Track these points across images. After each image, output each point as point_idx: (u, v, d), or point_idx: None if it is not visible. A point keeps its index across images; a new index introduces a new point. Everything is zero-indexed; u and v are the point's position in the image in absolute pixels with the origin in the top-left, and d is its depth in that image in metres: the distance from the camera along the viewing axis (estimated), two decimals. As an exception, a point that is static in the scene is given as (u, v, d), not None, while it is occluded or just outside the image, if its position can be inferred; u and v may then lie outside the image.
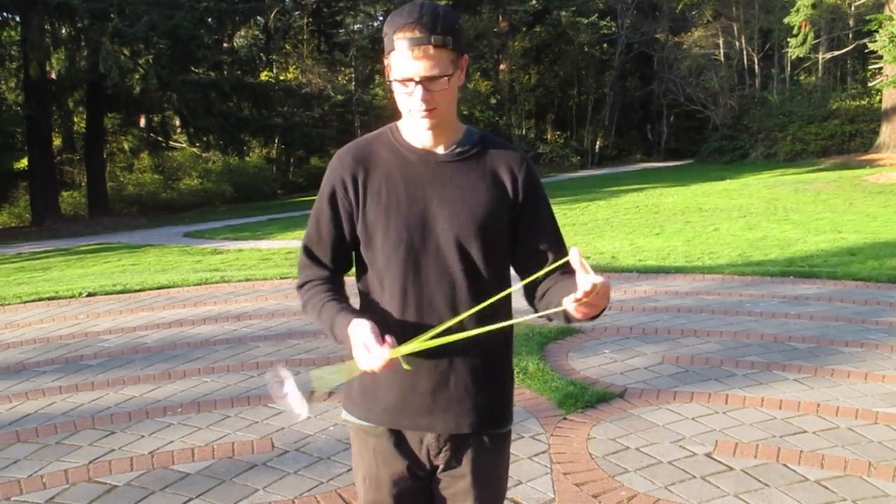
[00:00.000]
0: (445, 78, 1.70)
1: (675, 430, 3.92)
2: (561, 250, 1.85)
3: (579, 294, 1.55)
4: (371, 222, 1.79)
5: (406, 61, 1.68)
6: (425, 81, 1.69)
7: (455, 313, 1.76)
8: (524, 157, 1.88)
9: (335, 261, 1.88)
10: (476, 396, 1.83)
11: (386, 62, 1.75)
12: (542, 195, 1.88)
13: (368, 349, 1.64)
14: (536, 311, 1.84)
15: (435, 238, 1.77)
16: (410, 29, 1.66)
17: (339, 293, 1.87)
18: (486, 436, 1.88)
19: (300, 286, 1.91)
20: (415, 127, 1.79)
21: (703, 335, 5.64)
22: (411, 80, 1.69)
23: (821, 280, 7.66)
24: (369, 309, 1.84)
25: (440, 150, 1.82)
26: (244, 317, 6.50)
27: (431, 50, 1.67)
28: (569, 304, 1.59)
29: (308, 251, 1.89)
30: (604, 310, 1.64)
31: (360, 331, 1.67)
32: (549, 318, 1.77)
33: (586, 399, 4.30)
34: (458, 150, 1.82)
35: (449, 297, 1.78)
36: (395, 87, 1.73)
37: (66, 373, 5.13)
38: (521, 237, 1.85)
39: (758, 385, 4.56)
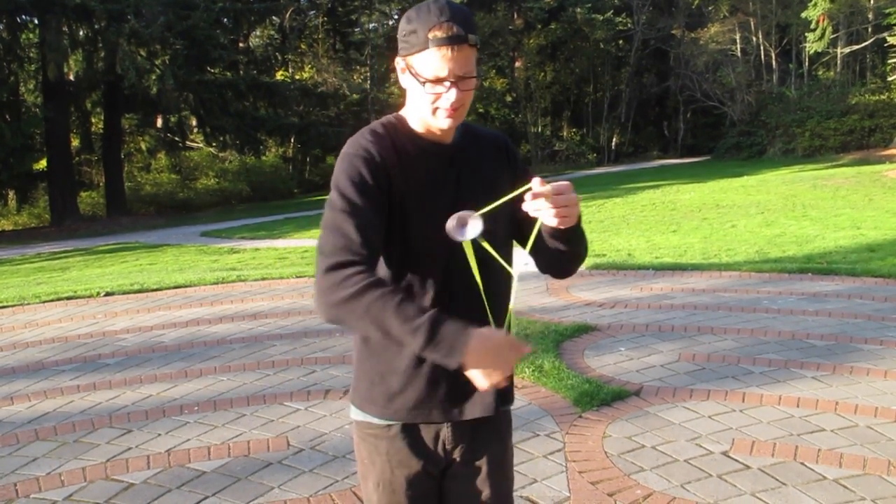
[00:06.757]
0: (475, 78, 1.65)
1: (691, 429, 3.90)
2: None
3: (536, 189, 1.56)
4: (396, 214, 1.70)
5: (442, 61, 1.58)
6: (459, 81, 1.61)
7: (480, 301, 1.72)
8: (506, 138, 1.92)
9: (373, 249, 1.66)
10: None
11: (404, 62, 1.65)
12: (528, 168, 1.89)
13: (512, 349, 1.57)
14: (543, 271, 1.88)
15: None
16: (448, 27, 1.57)
17: (397, 289, 1.65)
18: (499, 419, 1.85)
19: (342, 280, 1.58)
20: (430, 124, 1.71)
21: (720, 333, 5.61)
22: (446, 79, 1.61)
23: (839, 277, 7.59)
24: None
25: (446, 140, 1.78)
26: (260, 315, 6.52)
27: (467, 49, 1.60)
28: (543, 217, 1.60)
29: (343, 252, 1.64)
30: (578, 215, 1.65)
31: (493, 333, 1.55)
32: (545, 249, 1.76)
33: (602, 397, 4.28)
34: (458, 139, 1.79)
35: (474, 285, 1.72)
36: (425, 87, 1.62)
37: (84, 371, 5.17)
38: (518, 211, 1.73)
39: (775, 383, 4.52)
